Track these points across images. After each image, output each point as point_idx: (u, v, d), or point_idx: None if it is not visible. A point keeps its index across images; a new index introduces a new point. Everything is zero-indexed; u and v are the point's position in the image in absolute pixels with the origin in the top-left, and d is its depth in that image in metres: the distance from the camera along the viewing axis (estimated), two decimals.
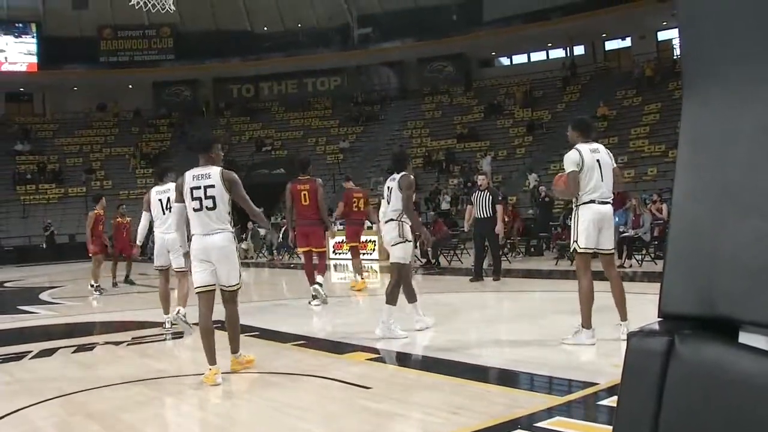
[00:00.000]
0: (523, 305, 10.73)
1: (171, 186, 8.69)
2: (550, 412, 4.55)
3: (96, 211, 16.12)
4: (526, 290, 12.50)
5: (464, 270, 15.54)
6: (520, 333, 7.32)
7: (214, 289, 6.24)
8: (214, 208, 6.07)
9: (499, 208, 13.37)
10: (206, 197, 6.05)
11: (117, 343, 8.41)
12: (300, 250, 11.78)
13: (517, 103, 37.38)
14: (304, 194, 11.02)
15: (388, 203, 8.02)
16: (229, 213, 6.19)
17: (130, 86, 43.50)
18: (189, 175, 6.17)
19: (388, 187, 8.02)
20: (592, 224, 6.79)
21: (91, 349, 8.20)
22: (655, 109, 30.93)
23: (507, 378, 5.86)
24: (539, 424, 4.30)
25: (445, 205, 29.38)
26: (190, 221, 6.20)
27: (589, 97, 34.90)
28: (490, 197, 13.34)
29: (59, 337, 9.09)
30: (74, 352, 7.96)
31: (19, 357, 7.74)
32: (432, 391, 5.61)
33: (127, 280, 16.91)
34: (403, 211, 7.82)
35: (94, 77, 41.88)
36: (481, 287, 12.77)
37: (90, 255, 16.24)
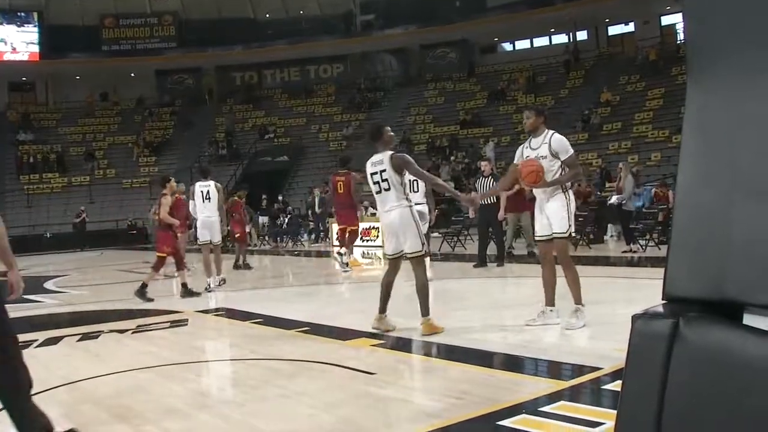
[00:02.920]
0: (526, 291, 10.72)
1: (211, 182, 12.68)
2: (554, 397, 4.56)
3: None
4: (529, 276, 12.48)
5: (468, 256, 15.53)
6: (524, 318, 7.32)
7: (400, 256, 7.27)
8: (388, 189, 7.02)
9: (502, 194, 13.35)
10: (382, 180, 7.03)
11: (122, 331, 8.43)
12: (337, 226, 14.90)
13: (520, 89, 37.25)
14: (340, 184, 13.78)
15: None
16: (405, 190, 7.11)
17: (133, 75, 43.42)
18: (368, 164, 7.22)
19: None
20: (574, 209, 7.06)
21: (96, 337, 8.22)
22: (658, 94, 30.83)
23: (511, 363, 5.86)
24: (543, 409, 4.31)
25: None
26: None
27: (593, 83, 34.79)
28: (495, 184, 13.33)
29: (64, 326, 9.13)
30: (79, 340, 7.99)
31: (24, 345, 7.72)
32: (436, 376, 5.62)
33: (237, 265, 16.31)
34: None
35: (97, 66, 41.73)
36: (484, 273, 12.77)
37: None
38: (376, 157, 7.16)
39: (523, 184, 7.30)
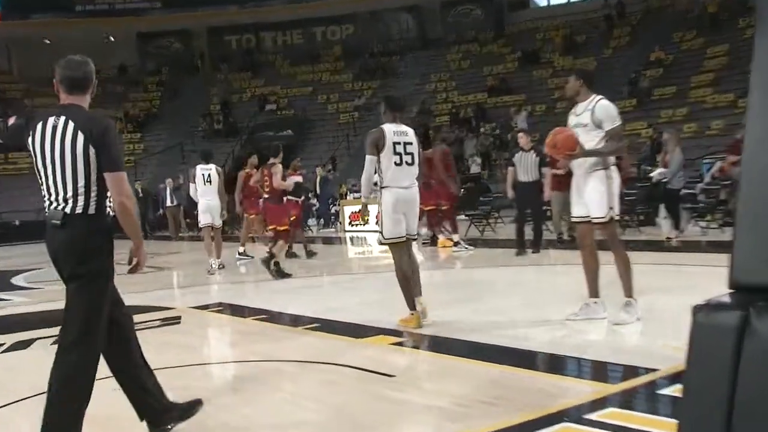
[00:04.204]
0: (566, 280, 10.68)
1: (212, 166, 14.33)
2: (602, 403, 4.55)
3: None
4: (569, 263, 12.45)
5: (499, 242, 15.52)
6: (565, 312, 7.29)
7: (407, 239, 7.51)
8: (412, 163, 7.36)
9: (547, 171, 13.15)
10: (406, 153, 7.31)
11: None
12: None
13: (556, 50, 37.00)
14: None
15: None
16: None
17: (112, 39, 43.28)
18: (389, 130, 7.33)
19: None
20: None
21: None
22: (720, 52, 30.36)
23: (550, 363, 5.87)
24: (588, 416, 4.30)
25: (475, 168, 29.22)
26: (386, 173, 7.29)
27: (641, 41, 34.34)
28: (537, 158, 13.11)
29: (36, 327, 9.08)
30: (54, 343, 8.00)
31: None
32: (465, 379, 5.61)
33: (309, 252, 16.18)
34: None
35: (69, 28, 41.29)
36: (518, 260, 12.71)
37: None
38: (399, 128, 7.41)
39: (554, 153, 7.20)
